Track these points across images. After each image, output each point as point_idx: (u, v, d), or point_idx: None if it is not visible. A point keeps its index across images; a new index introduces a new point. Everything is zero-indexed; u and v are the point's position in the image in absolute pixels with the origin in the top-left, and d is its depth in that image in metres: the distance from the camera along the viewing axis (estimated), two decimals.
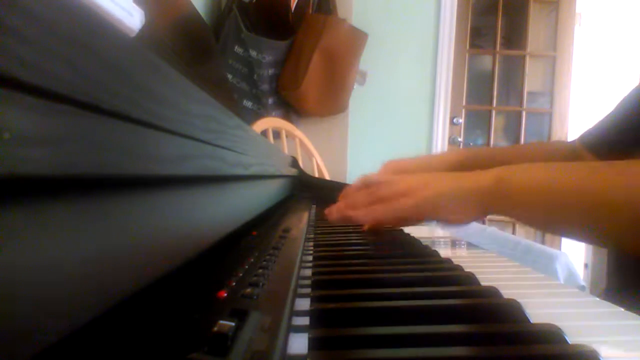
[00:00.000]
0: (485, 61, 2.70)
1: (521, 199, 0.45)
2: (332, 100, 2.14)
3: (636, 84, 0.64)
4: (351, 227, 0.66)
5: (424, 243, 0.51)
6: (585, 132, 0.71)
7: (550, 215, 0.44)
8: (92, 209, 0.14)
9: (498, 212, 0.47)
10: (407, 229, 0.61)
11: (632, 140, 0.60)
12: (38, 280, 0.11)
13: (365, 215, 0.54)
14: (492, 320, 0.24)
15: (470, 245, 0.55)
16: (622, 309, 0.29)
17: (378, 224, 0.56)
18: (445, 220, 0.50)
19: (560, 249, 1.83)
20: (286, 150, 1.55)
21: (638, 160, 0.40)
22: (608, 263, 0.64)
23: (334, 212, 0.59)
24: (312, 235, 0.56)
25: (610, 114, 0.68)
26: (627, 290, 0.53)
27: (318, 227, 0.64)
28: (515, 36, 2.72)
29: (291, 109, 2.11)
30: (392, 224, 0.58)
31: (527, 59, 2.62)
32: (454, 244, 0.57)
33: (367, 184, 0.57)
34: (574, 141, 0.73)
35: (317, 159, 1.72)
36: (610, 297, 0.35)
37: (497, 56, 2.64)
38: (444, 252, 0.48)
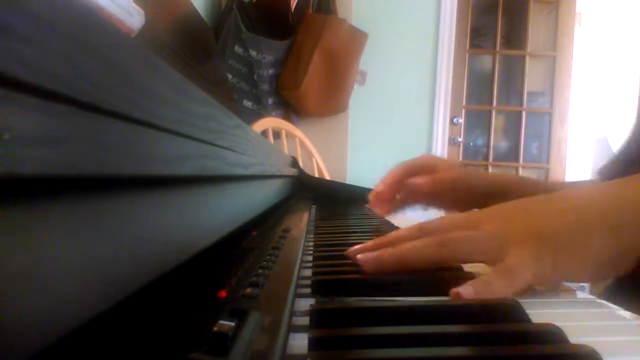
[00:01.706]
0: (485, 61, 2.71)
1: None
2: (332, 100, 2.14)
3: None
4: (351, 228, 0.66)
5: None
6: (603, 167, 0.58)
7: None
8: (92, 209, 0.14)
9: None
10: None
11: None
12: (38, 280, 0.11)
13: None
14: (492, 320, 0.24)
15: None
16: (622, 309, 0.29)
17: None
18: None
19: None
20: (286, 150, 1.54)
21: None
22: None
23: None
24: (312, 235, 0.56)
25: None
26: (627, 290, 0.53)
27: (318, 227, 0.64)
28: (515, 36, 2.72)
29: (291, 109, 2.11)
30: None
31: (527, 59, 2.62)
32: None
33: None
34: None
35: (317, 159, 1.72)
36: (610, 297, 0.34)
37: (497, 56, 2.64)
38: None
